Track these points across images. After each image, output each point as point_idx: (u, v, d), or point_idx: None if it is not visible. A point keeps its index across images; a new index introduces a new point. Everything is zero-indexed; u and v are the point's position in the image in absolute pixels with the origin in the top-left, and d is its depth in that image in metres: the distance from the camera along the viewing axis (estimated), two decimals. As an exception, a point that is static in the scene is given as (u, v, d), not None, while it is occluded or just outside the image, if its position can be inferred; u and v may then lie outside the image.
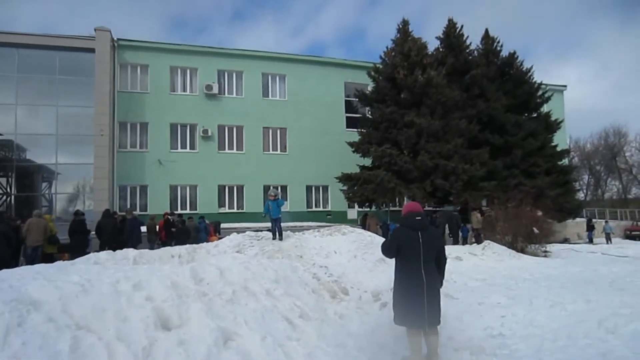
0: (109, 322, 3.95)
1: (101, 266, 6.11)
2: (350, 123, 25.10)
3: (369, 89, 22.27)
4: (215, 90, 23.20)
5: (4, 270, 5.07)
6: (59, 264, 6.65)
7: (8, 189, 21.10)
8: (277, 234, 10.27)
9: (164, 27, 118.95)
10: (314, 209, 24.81)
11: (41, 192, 21.89)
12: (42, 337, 3.44)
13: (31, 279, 4.31)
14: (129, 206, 20.05)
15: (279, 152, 24.74)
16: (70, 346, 3.48)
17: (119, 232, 12.89)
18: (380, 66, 21.40)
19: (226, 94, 24.00)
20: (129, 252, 8.36)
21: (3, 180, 21.11)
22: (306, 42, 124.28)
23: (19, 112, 20.39)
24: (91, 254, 8.32)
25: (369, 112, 21.75)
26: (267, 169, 23.89)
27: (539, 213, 14.03)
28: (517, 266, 10.02)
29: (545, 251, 13.34)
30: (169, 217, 14.95)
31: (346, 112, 26.04)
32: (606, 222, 24.78)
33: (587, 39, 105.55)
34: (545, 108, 24.37)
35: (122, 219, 14.03)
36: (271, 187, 19.30)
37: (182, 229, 14.53)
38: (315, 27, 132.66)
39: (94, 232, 13.05)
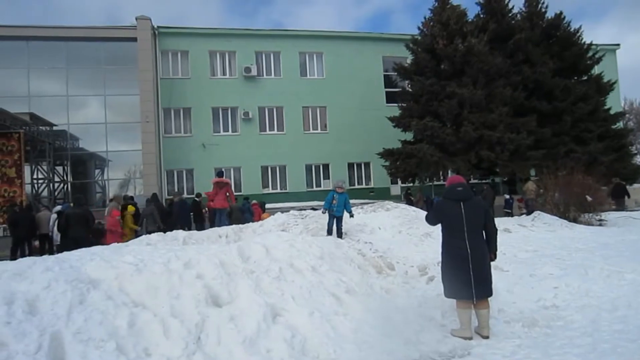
0: (163, 299, 4.13)
1: (153, 247, 6.35)
2: (390, 98, 24.58)
3: (408, 61, 21.70)
4: (254, 72, 23.28)
5: (65, 253, 5.37)
6: (113, 245, 6.98)
7: (65, 177, 22.22)
8: (338, 233, 8.63)
9: (222, 6, 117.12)
10: (356, 186, 24.71)
11: (95, 179, 22.99)
12: (101, 314, 3.64)
13: (89, 260, 4.54)
14: (176, 190, 20.72)
15: (319, 130, 24.69)
16: (128, 322, 3.68)
17: (166, 214, 13.33)
18: (419, 37, 20.72)
19: (265, 76, 24.05)
20: (179, 234, 8.66)
21: (59, 169, 22.21)
22: (370, 11, 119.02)
23: (71, 103, 21.35)
24: (143, 236, 8.68)
25: (409, 86, 21.18)
26: (308, 148, 23.92)
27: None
28: (570, 236, 9.63)
29: (600, 220, 12.69)
30: (196, 198, 15.00)
31: (385, 87, 25.62)
32: None
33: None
34: (596, 70, 22.94)
35: (171, 202, 14.54)
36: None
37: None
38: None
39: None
